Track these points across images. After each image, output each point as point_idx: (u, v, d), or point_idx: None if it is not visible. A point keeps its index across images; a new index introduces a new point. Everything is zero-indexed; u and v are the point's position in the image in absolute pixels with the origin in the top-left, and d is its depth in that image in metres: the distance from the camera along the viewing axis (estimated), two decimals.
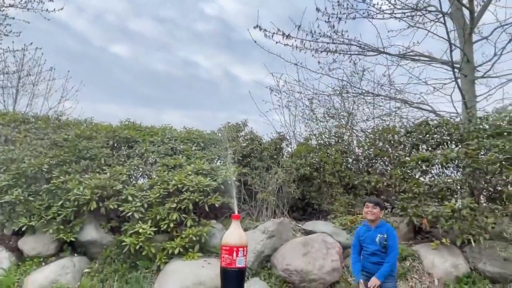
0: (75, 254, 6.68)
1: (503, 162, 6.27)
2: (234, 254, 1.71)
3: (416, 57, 9.20)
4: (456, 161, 6.68)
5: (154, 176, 7.17)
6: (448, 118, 7.73)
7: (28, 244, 6.58)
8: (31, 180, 7.11)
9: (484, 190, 6.74)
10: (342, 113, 9.07)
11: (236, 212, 1.94)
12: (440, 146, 7.29)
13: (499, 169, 6.31)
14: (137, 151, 7.73)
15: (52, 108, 13.60)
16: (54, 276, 6.05)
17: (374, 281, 4.24)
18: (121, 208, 6.56)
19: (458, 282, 5.61)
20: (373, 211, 4.45)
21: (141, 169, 7.62)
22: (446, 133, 7.24)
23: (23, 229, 6.55)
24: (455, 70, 8.03)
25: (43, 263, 6.45)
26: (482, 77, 8.95)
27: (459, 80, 8.41)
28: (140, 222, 6.40)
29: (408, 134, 7.65)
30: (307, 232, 6.69)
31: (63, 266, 6.24)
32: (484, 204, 6.61)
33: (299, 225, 7.10)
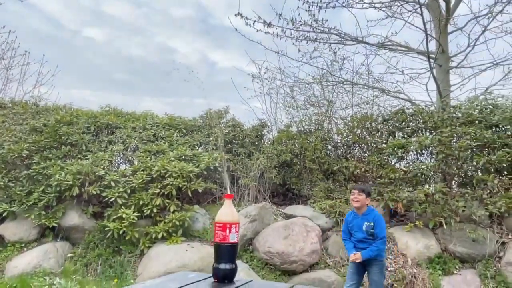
0: (58, 239, 6.70)
1: (474, 149, 6.60)
2: (227, 230, 1.83)
3: (394, 47, 9.42)
4: (430, 148, 6.98)
5: (136, 162, 7.21)
6: (423, 107, 8.00)
7: (9, 230, 6.56)
8: (10, 166, 7.05)
9: (456, 176, 7.06)
10: (322, 101, 9.24)
11: (228, 192, 2.07)
12: (415, 134, 7.58)
13: (470, 155, 6.64)
14: (118, 137, 7.73)
15: (28, 93, 13.27)
16: (36, 261, 6.08)
17: (357, 254, 4.37)
18: (103, 194, 6.60)
19: (430, 262, 5.93)
20: (358, 197, 4.47)
21: (123, 155, 7.63)
22: (421, 121, 7.52)
23: (3, 214, 6.52)
24: (431, 60, 8.27)
25: (25, 249, 6.46)
26: (456, 67, 9.26)
27: (434, 70, 8.68)
28: (123, 207, 6.46)
29: (385, 122, 7.90)
30: (288, 216, 6.89)
31: (45, 251, 6.26)
32: (456, 189, 6.94)
33: (280, 209, 7.29)
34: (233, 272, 1.88)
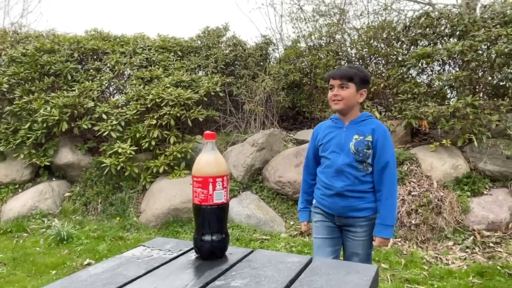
0: (53, 179, 6.27)
1: (509, 54, 5.70)
2: (210, 187, 1.18)
3: None
4: (459, 56, 6.09)
5: (129, 91, 6.51)
6: (450, 9, 6.95)
7: (0, 171, 6.12)
8: None
9: (488, 86, 6.26)
10: (333, 10, 8.14)
11: (209, 130, 1.34)
12: (440, 41, 6.63)
13: (507, 61, 5.76)
14: (107, 64, 6.93)
15: (15, 23, 12.24)
16: (32, 203, 5.69)
17: (380, 242, 2.24)
18: (95, 128, 6.02)
19: (458, 183, 5.39)
20: (340, 93, 2.25)
21: (113, 84, 6.90)
22: (449, 25, 6.52)
23: None
24: None
25: (20, 190, 6.05)
26: None
27: None
28: (118, 141, 5.91)
29: (406, 29, 6.91)
30: (299, 142, 6.30)
31: (41, 192, 5.86)
32: (487, 101, 6.17)
33: (290, 135, 6.69)
34: (223, 245, 1.26)
